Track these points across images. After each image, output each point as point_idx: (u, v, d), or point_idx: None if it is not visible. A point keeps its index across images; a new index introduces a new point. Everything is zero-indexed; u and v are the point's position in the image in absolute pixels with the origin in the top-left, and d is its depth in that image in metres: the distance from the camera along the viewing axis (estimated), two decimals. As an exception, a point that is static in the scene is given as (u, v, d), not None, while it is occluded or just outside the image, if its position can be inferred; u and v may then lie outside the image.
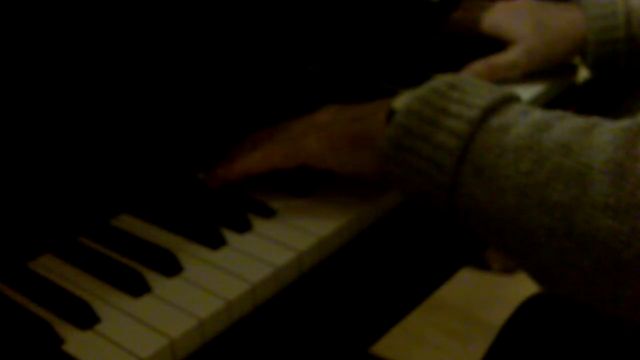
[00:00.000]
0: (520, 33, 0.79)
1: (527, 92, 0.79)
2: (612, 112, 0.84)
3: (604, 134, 0.45)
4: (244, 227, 0.57)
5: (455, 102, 0.51)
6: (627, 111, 0.87)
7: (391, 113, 0.54)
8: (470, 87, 0.52)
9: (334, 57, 0.81)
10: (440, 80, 0.53)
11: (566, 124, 0.47)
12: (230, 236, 0.56)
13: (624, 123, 0.46)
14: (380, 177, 0.56)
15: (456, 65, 0.83)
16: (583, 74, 0.84)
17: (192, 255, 0.55)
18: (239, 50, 0.70)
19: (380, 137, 0.54)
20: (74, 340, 0.48)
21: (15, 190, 0.55)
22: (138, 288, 0.51)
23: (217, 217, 0.58)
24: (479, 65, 0.80)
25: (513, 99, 0.52)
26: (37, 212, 0.57)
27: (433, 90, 0.53)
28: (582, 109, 0.81)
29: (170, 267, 0.53)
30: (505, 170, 0.47)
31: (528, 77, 0.81)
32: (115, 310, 0.50)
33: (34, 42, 0.54)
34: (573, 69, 0.84)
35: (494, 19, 0.83)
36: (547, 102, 0.80)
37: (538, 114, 0.49)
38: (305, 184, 0.61)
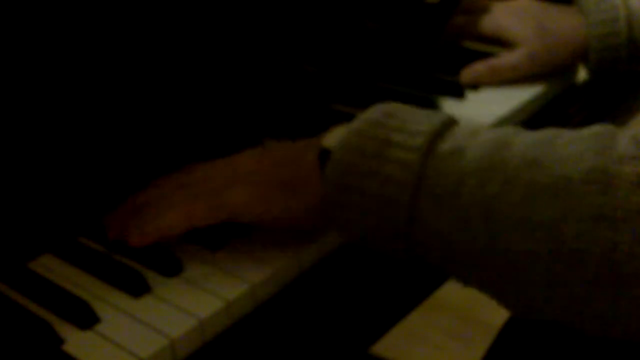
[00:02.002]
0: (522, 36, 0.79)
1: (527, 92, 0.79)
2: (612, 112, 0.84)
3: (573, 143, 0.43)
4: (245, 228, 0.57)
5: (396, 131, 0.47)
6: (626, 111, 0.87)
7: (324, 152, 0.50)
8: (407, 114, 0.49)
9: (333, 58, 0.81)
10: (374, 111, 0.50)
11: (525, 139, 0.45)
12: (231, 235, 0.56)
13: (592, 129, 0.44)
14: (319, 223, 0.52)
15: (457, 64, 0.83)
16: (583, 74, 0.84)
17: (192, 255, 0.55)
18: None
19: (313, 179, 0.50)
20: (74, 340, 0.48)
21: (15, 190, 0.55)
22: (138, 288, 0.51)
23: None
24: (480, 67, 0.79)
25: (454, 122, 0.49)
26: (37, 212, 0.57)
27: (369, 122, 0.49)
28: (582, 109, 0.81)
29: (171, 267, 0.53)
30: (469, 196, 0.44)
31: (528, 77, 0.81)
32: (115, 310, 0.50)
33: (34, 43, 0.54)
34: (573, 69, 0.84)
35: (495, 21, 0.82)
36: (547, 102, 0.80)
37: (489, 133, 0.47)
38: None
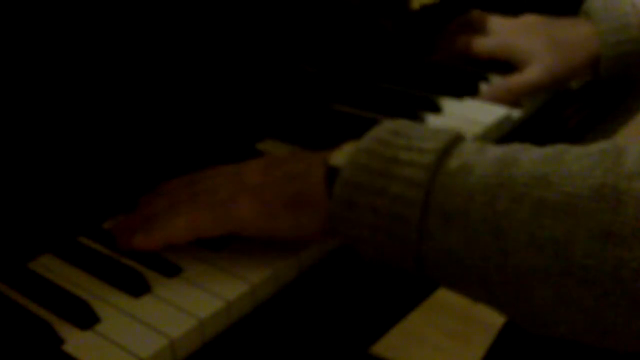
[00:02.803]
0: (534, 51, 0.77)
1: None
2: (611, 112, 0.84)
3: (582, 159, 0.43)
4: (243, 227, 0.57)
5: (404, 149, 0.48)
6: (625, 112, 0.87)
7: (331, 170, 0.50)
8: (414, 131, 0.49)
9: (333, 58, 0.81)
10: (381, 129, 0.50)
11: (532, 155, 0.45)
12: (231, 236, 0.56)
13: (598, 146, 0.44)
14: (327, 238, 0.53)
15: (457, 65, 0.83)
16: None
17: (192, 255, 0.55)
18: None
19: (321, 195, 0.51)
20: (74, 340, 0.48)
21: (15, 190, 0.55)
22: (138, 288, 0.51)
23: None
24: (499, 88, 0.77)
25: (462, 138, 0.49)
26: (37, 212, 0.57)
27: (376, 140, 0.49)
28: (579, 112, 0.81)
29: (171, 267, 0.53)
30: (479, 214, 0.44)
31: None
32: (115, 310, 0.50)
33: (33, 42, 0.54)
34: None
35: (503, 40, 0.80)
36: (545, 103, 0.80)
37: (496, 150, 0.47)
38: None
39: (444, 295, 0.59)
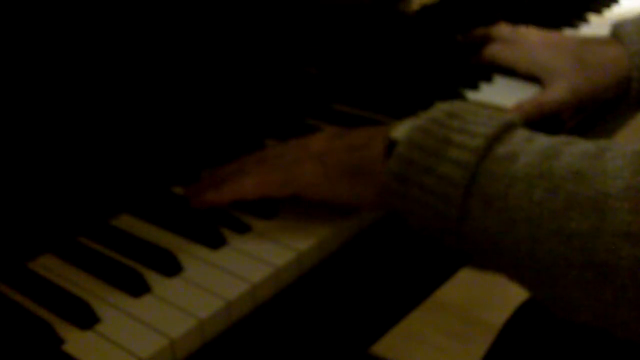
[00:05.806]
0: (561, 69, 0.77)
1: (526, 92, 0.79)
2: (611, 112, 0.84)
3: (617, 159, 0.44)
4: (243, 227, 0.57)
5: (457, 132, 0.50)
6: (625, 112, 0.87)
7: (391, 144, 0.53)
8: (470, 115, 0.51)
9: (335, 59, 0.81)
10: (440, 109, 0.52)
11: (575, 150, 0.46)
12: (231, 236, 0.56)
13: (634, 147, 0.45)
14: (379, 208, 0.56)
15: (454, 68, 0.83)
16: None
17: (192, 255, 0.55)
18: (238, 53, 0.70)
19: (379, 167, 0.53)
20: (74, 340, 0.48)
21: (15, 190, 0.55)
22: (138, 288, 0.51)
23: (218, 217, 0.58)
24: (527, 106, 0.77)
25: (515, 125, 0.51)
26: (37, 212, 0.57)
27: (433, 120, 0.52)
28: (582, 109, 0.81)
29: (170, 267, 0.53)
30: (516, 200, 0.46)
31: (526, 79, 0.81)
32: (115, 310, 0.50)
33: (34, 42, 0.54)
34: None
35: (531, 56, 0.80)
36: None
37: (544, 140, 0.48)
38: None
39: (444, 295, 0.60)
